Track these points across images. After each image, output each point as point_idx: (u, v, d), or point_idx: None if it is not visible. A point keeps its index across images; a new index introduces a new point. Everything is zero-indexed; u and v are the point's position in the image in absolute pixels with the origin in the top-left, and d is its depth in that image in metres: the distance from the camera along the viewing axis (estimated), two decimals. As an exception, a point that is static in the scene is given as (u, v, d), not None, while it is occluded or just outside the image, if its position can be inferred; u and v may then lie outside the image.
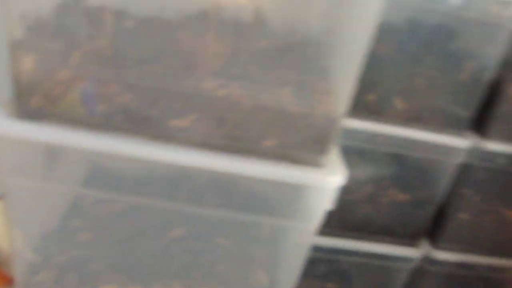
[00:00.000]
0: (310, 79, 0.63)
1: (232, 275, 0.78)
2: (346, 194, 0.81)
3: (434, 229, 0.89)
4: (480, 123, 0.80)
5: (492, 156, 0.78)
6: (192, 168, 0.65)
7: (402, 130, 0.75)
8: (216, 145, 0.65)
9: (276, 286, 0.79)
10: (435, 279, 0.90)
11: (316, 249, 0.85)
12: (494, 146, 0.77)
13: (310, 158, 0.66)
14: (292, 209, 0.69)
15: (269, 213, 0.70)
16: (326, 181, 0.65)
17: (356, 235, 0.85)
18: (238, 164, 0.64)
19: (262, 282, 0.78)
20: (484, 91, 0.75)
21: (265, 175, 0.64)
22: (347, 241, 0.84)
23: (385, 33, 0.68)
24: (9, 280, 0.88)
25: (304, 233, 0.71)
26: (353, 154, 0.78)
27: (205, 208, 0.70)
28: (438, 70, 0.73)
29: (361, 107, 0.74)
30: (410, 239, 0.86)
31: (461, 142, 0.76)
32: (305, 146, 0.66)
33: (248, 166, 0.64)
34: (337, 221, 0.83)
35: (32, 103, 0.63)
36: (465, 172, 0.80)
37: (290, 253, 0.75)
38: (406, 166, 0.80)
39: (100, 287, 0.76)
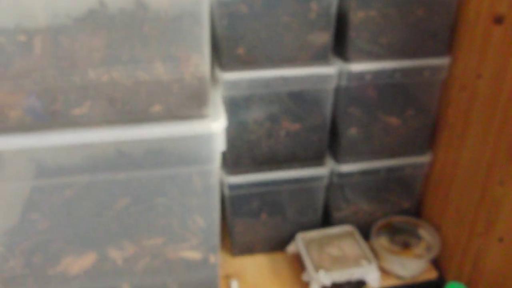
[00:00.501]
0: (174, 50, 0.76)
1: (173, 225, 0.93)
2: (249, 134, 0.96)
3: (334, 147, 1.03)
4: (340, 50, 0.93)
5: (358, 75, 0.92)
6: (104, 144, 0.79)
7: (275, 71, 0.89)
8: (113, 120, 0.79)
9: (211, 225, 0.93)
10: (345, 189, 1.05)
11: (239, 187, 0.99)
12: (356, 66, 0.91)
13: (193, 113, 0.80)
14: (194, 156, 0.83)
15: (180, 163, 0.84)
16: (209, 127, 0.79)
17: (268, 167, 0.99)
18: (133, 132, 0.78)
19: (199, 225, 0.93)
20: (334, 23, 0.88)
21: (157, 135, 0.79)
22: (262, 174, 0.99)
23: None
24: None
25: (213, 173, 0.85)
26: (242, 100, 0.92)
27: (133, 172, 0.84)
28: (291, 15, 0.86)
29: (235, 60, 0.88)
30: (316, 160, 1.00)
31: (329, 70, 0.90)
32: (186, 104, 0.80)
33: (141, 131, 0.78)
34: (250, 159, 0.98)
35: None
36: (342, 93, 0.94)
37: (208, 194, 0.89)
38: (291, 101, 0.94)
39: (62, 260, 0.91)
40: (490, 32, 0.86)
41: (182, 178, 0.86)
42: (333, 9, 0.87)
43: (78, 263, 0.92)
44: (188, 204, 0.89)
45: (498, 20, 0.84)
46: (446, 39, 0.94)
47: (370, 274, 0.99)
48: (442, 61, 0.95)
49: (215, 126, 0.80)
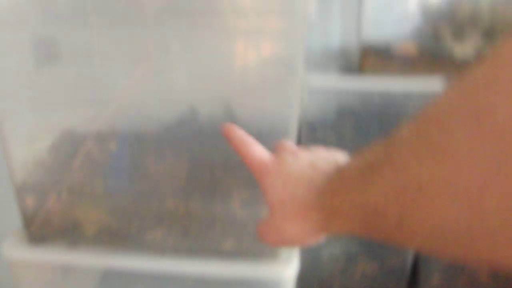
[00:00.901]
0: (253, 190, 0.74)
1: None
2: (321, 272, 0.90)
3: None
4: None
5: None
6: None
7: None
8: (185, 251, 0.76)
9: None
10: None
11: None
12: None
13: (265, 253, 0.76)
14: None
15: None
16: (280, 271, 0.75)
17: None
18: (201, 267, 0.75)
19: None
20: None
21: (225, 274, 0.75)
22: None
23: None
24: None
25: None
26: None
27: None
28: None
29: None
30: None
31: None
32: (258, 244, 0.76)
33: (209, 268, 0.75)
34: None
35: (37, 230, 0.78)
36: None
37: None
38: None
39: None
40: None
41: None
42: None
43: None
44: None
45: None
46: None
47: None
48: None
49: (286, 270, 0.75)
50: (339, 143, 0.82)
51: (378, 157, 0.35)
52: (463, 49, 0.79)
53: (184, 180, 0.75)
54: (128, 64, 0.71)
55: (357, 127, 0.82)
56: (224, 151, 0.68)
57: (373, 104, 0.79)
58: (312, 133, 0.82)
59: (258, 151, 0.54)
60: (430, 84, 0.76)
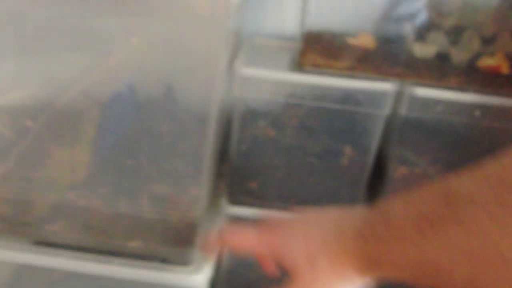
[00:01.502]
0: (164, 188, 0.65)
1: None
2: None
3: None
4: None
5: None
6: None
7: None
8: (87, 246, 0.68)
9: None
10: None
11: None
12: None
13: (177, 257, 0.68)
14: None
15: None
16: (189, 279, 0.67)
17: None
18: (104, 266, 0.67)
19: None
20: (369, 176, 0.74)
21: (127, 276, 0.67)
22: None
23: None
24: None
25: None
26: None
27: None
28: (318, 157, 0.73)
29: (245, 194, 0.76)
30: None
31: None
32: (167, 247, 0.68)
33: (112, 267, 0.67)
34: None
35: None
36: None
37: None
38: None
39: None
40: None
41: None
42: (370, 158, 0.73)
43: None
44: None
45: None
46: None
47: None
48: None
49: (195, 278, 0.68)
50: (280, 136, 0.73)
51: (438, 212, 0.33)
52: (425, 49, 0.70)
53: (87, 170, 0.66)
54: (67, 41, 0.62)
55: (301, 121, 0.73)
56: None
57: (317, 98, 0.70)
58: (252, 124, 0.74)
59: (249, 231, 0.51)
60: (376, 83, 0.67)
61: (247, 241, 0.50)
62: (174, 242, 0.68)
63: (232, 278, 0.83)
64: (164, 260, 0.69)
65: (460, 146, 0.72)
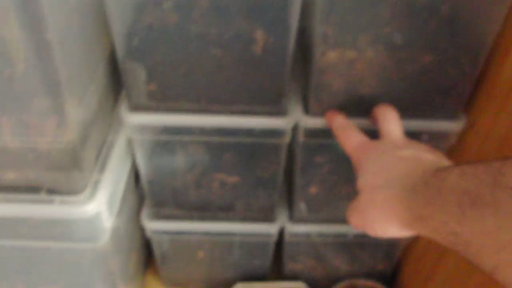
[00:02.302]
0: (20, 113, 0.52)
1: None
2: (173, 181, 0.73)
3: (289, 203, 0.79)
4: (302, 97, 0.65)
5: (322, 132, 0.64)
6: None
7: (200, 118, 0.63)
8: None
9: None
10: (301, 244, 0.83)
11: (164, 232, 0.79)
12: (319, 122, 0.63)
13: (63, 185, 0.58)
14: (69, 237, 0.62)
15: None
16: (79, 208, 0.58)
17: (200, 216, 0.77)
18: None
19: None
20: (291, 62, 0.59)
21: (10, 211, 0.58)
22: (192, 223, 0.78)
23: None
24: None
25: (100, 252, 0.65)
26: (158, 146, 0.68)
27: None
28: (223, 47, 0.58)
29: (146, 98, 0.62)
30: (263, 215, 0.77)
31: (279, 122, 0.63)
32: (47, 176, 0.57)
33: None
34: (176, 207, 0.76)
35: None
36: (300, 146, 0.67)
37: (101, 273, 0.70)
38: (226, 152, 0.68)
39: None
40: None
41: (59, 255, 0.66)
42: (290, 43, 0.57)
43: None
44: (81, 277, 0.71)
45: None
46: (462, 100, 0.63)
47: None
48: (450, 126, 0.65)
49: (87, 208, 0.58)
50: (184, 23, 0.57)
51: (481, 194, 0.34)
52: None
53: None
54: None
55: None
56: None
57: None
58: (150, 9, 0.57)
59: (356, 135, 0.56)
60: None
61: (346, 138, 0.56)
62: (55, 169, 0.57)
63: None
64: (51, 191, 0.59)
65: (403, 20, 0.56)
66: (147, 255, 0.93)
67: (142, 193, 0.79)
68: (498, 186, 0.33)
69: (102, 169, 0.62)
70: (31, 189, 0.58)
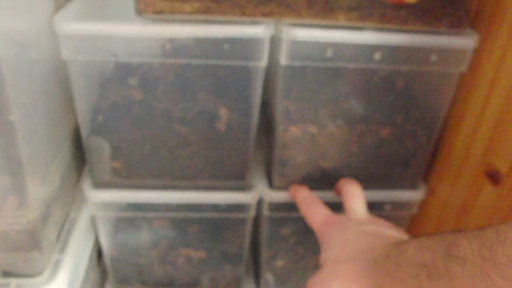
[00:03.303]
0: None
1: None
2: (138, 258, 0.71)
3: (256, 277, 0.78)
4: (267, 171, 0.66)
5: (285, 206, 0.65)
6: None
7: (165, 194, 0.63)
8: None
9: None
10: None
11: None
12: (282, 196, 0.64)
13: (21, 267, 0.56)
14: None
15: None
16: (38, 294, 0.55)
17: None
18: None
19: None
20: (254, 138, 0.60)
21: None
22: None
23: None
24: None
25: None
26: (122, 222, 0.67)
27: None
28: (186, 124, 0.59)
29: (110, 175, 0.62)
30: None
31: (244, 197, 0.63)
32: (8, 256, 0.55)
33: None
34: (141, 282, 0.74)
35: None
36: (265, 220, 0.67)
37: None
38: (190, 227, 0.68)
39: None
40: (480, 187, 0.57)
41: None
42: (253, 119, 0.59)
43: None
44: None
45: (493, 177, 0.55)
46: (420, 170, 0.65)
47: None
48: (411, 195, 0.66)
49: (48, 289, 0.56)
50: (147, 99, 0.58)
51: (437, 266, 0.35)
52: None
53: None
54: None
55: (165, 82, 0.58)
56: None
57: (172, 54, 0.54)
58: (113, 88, 0.58)
59: (320, 209, 0.57)
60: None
61: (311, 213, 0.57)
62: (12, 250, 0.55)
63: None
64: (7, 274, 0.57)
65: (361, 96, 0.58)
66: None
67: (104, 269, 0.76)
68: (452, 257, 0.34)
69: (63, 248, 0.60)
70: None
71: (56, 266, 0.58)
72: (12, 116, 0.45)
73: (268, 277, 0.75)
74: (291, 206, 0.64)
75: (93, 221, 0.68)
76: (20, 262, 0.56)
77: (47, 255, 0.57)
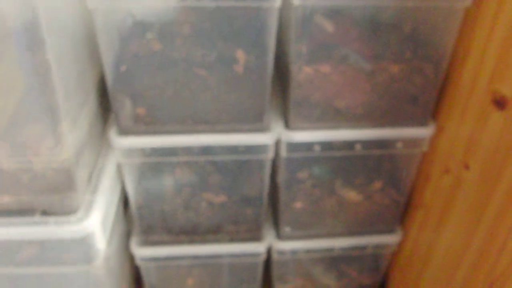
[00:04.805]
0: (17, 133, 0.54)
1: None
2: (162, 205, 0.75)
3: (275, 221, 0.82)
4: (282, 112, 0.69)
5: (303, 145, 0.68)
6: None
7: (187, 138, 0.66)
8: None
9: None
10: (290, 264, 0.85)
11: (154, 259, 0.80)
12: (300, 136, 0.67)
13: (55, 208, 0.60)
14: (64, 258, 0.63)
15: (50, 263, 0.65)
16: (75, 228, 0.59)
17: (189, 239, 0.79)
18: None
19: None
20: (270, 79, 0.63)
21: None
22: (181, 247, 0.79)
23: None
24: None
25: (93, 274, 0.66)
26: (147, 168, 0.70)
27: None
28: (207, 68, 0.62)
29: (134, 121, 0.65)
30: (250, 234, 0.79)
31: (262, 138, 0.67)
32: (43, 198, 0.59)
33: None
34: (165, 231, 0.78)
35: None
36: (283, 163, 0.71)
37: None
38: (211, 171, 0.71)
39: None
40: (487, 115, 0.60)
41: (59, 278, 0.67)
42: (269, 61, 0.62)
43: None
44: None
45: (499, 103, 0.58)
46: (430, 107, 0.68)
47: None
48: (421, 132, 0.69)
49: (82, 228, 0.60)
50: (167, 49, 0.61)
51: None
52: None
53: None
54: None
55: (192, 27, 0.61)
56: None
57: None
58: (135, 39, 0.61)
59: None
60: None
61: None
62: (49, 190, 0.59)
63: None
64: (45, 212, 0.61)
65: (371, 35, 0.61)
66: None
67: (130, 222, 0.80)
68: None
69: (94, 190, 0.64)
70: (25, 211, 0.59)
71: (89, 205, 0.62)
72: (49, 55, 0.49)
73: (286, 228, 0.78)
74: (308, 146, 0.67)
75: (119, 169, 0.71)
76: (56, 201, 0.60)
77: (80, 195, 0.61)
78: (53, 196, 0.59)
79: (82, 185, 0.61)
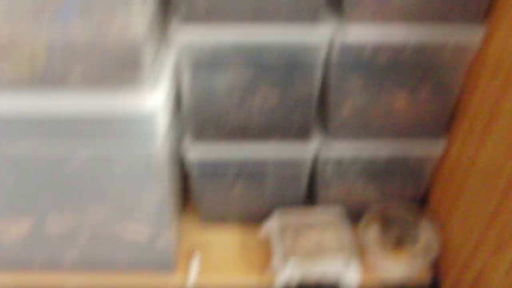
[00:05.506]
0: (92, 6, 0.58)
1: (116, 200, 0.79)
2: (216, 103, 0.78)
3: (324, 121, 0.84)
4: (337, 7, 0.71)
5: (357, 41, 0.70)
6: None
7: (243, 30, 0.69)
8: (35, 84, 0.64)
9: (161, 204, 0.79)
10: (336, 168, 0.88)
11: (206, 157, 0.84)
12: (356, 30, 0.69)
13: (123, 82, 0.64)
14: (124, 135, 0.68)
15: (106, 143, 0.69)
16: (139, 103, 0.64)
17: (241, 138, 0.82)
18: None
19: (146, 203, 0.79)
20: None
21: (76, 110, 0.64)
22: (233, 145, 0.83)
23: None
24: None
25: (153, 156, 0.70)
26: (204, 63, 0.73)
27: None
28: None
29: (195, 12, 0.68)
30: (299, 134, 0.82)
31: (317, 31, 0.69)
32: (112, 72, 0.63)
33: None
34: (218, 129, 0.81)
35: None
36: (336, 60, 0.73)
37: (151, 177, 0.75)
38: (266, 66, 0.74)
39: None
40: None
41: (115, 160, 0.72)
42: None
43: (13, 229, 0.82)
44: (130, 183, 0.76)
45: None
46: (483, 7, 0.69)
47: (348, 274, 0.85)
48: (473, 31, 0.71)
49: (149, 101, 0.64)
50: None
51: None
52: None
53: None
54: None
55: None
56: None
57: None
58: None
59: None
60: None
61: None
62: (119, 65, 0.62)
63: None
64: (115, 86, 0.65)
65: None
66: (185, 193, 0.98)
67: (182, 126, 0.83)
68: None
69: (157, 76, 0.68)
70: (95, 85, 0.64)
71: (155, 82, 0.66)
72: None
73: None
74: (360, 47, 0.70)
75: (176, 67, 0.74)
76: (125, 76, 0.63)
77: (147, 72, 0.64)
78: (123, 71, 0.63)
79: (148, 63, 0.64)
